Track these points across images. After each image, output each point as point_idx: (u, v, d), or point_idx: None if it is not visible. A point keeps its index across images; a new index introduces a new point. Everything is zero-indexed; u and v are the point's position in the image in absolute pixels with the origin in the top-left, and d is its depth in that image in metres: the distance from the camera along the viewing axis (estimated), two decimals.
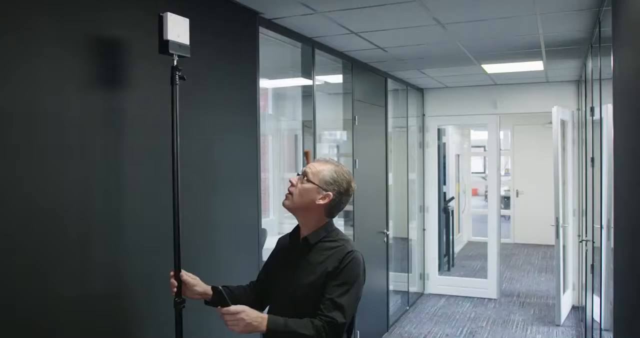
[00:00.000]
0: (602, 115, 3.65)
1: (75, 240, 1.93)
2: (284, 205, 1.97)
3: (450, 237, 7.94)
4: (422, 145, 6.80)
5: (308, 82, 3.96)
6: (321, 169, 1.92)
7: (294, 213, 1.98)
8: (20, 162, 1.74)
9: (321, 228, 1.96)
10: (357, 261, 1.89)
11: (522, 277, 7.69)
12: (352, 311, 1.87)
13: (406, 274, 6.32)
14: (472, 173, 11.82)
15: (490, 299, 6.51)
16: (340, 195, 1.94)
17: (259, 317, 1.76)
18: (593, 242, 4.30)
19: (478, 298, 6.56)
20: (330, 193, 1.91)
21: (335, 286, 1.83)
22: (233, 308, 1.75)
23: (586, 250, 4.83)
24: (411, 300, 6.34)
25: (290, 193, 1.94)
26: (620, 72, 2.44)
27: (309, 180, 1.91)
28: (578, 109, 6.02)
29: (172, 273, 1.97)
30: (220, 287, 1.87)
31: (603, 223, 3.62)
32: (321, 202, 1.91)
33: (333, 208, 1.95)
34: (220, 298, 1.81)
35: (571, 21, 3.48)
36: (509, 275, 7.79)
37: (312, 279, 1.87)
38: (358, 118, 4.66)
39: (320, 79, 4.30)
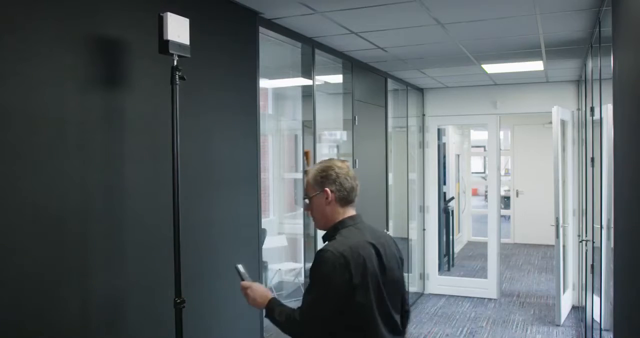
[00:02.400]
0: (602, 115, 3.65)
1: (74, 240, 1.93)
2: (319, 228, 2.04)
3: (450, 237, 7.94)
4: (422, 145, 6.80)
5: (308, 82, 3.96)
6: (307, 180, 1.98)
7: (329, 227, 2.00)
8: (20, 162, 1.74)
9: (330, 228, 1.96)
10: (324, 260, 1.77)
11: (522, 277, 7.68)
12: (314, 312, 1.78)
13: (406, 274, 6.32)
14: (472, 173, 11.83)
15: (490, 299, 6.51)
16: (334, 182, 1.93)
17: (263, 296, 1.89)
18: (593, 242, 4.30)
19: (478, 298, 6.56)
20: (326, 188, 1.92)
21: (307, 284, 1.87)
22: (243, 283, 1.94)
23: (586, 250, 4.84)
24: (411, 300, 6.34)
25: (313, 218, 2.01)
26: (620, 72, 2.44)
27: (308, 197, 1.97)
28: (578, 109, 6.02)
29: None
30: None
31: (603, 223, 3.63)
32: (328, 200, 1.93)
33: (342, 196, 1.94)
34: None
35: (571, 21, 3.48)
36: (509, 275, 7.79)
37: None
38: (358, 118, 4.66)
39: (320, 79, 4.30)
